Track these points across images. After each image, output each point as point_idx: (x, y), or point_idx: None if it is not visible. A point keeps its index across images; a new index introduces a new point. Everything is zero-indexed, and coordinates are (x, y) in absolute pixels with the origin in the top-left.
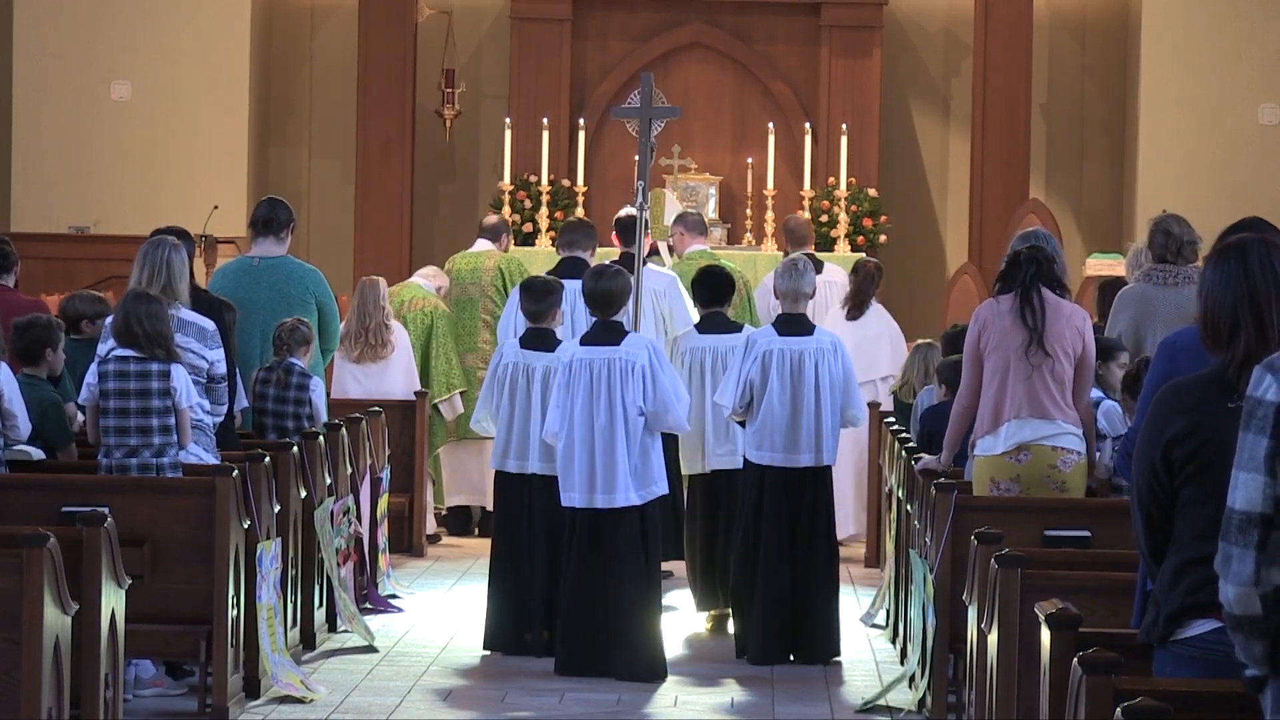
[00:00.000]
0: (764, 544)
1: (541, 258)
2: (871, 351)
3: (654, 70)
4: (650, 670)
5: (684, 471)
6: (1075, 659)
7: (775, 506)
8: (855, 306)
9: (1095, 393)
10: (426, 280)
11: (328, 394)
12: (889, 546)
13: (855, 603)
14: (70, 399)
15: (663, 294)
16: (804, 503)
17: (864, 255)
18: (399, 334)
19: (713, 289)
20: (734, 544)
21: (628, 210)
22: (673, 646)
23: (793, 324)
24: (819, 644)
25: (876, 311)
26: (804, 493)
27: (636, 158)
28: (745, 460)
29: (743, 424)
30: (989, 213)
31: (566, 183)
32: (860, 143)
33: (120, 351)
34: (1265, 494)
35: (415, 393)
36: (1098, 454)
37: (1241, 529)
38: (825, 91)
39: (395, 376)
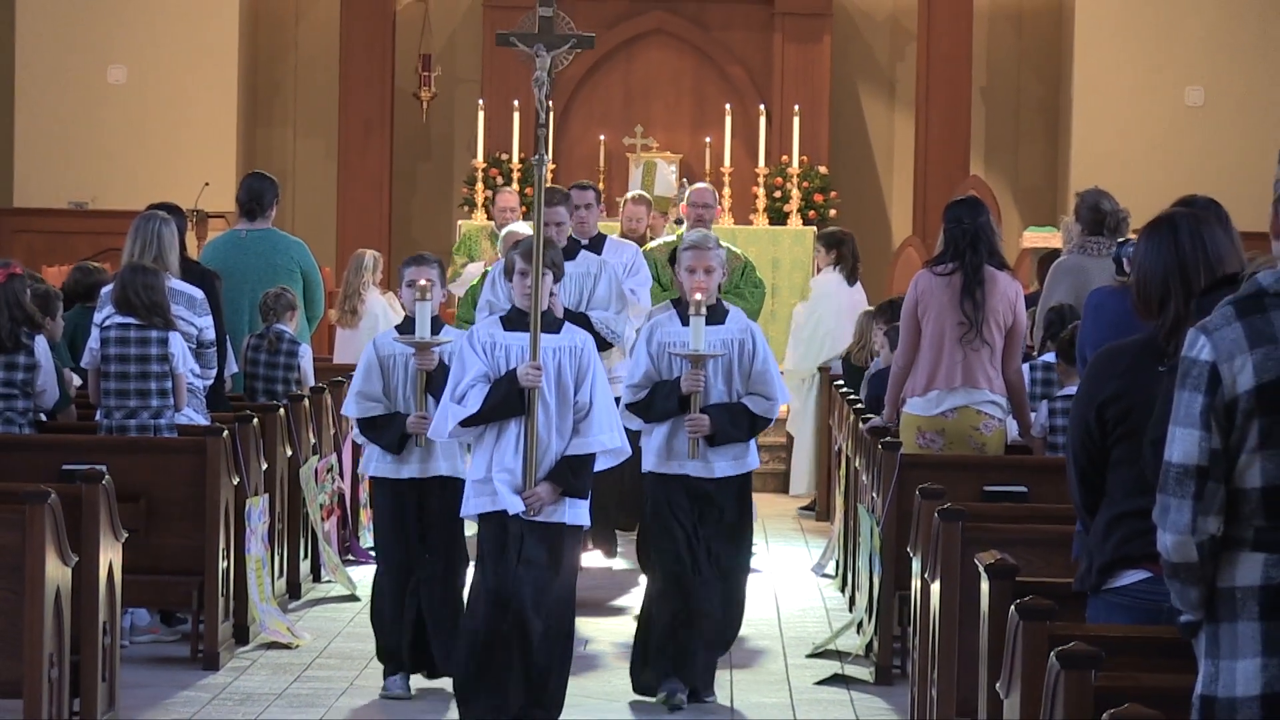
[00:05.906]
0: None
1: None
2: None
3: (618, 55)
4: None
5: None
6: (1013, 606)
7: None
8: (851, 273)
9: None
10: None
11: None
12: (839, 501)
13: (807, 554)
14: (67, 365)
15: (632, 269)
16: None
17: (830, 228)
18: (371, 305)
19: None
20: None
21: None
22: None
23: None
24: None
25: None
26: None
27: (602, 136)
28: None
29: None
30: (932, 189)
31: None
32: (811, 123)
33: (120, 319)
34: (1201, 447)
35: None
36: (1032, 415)
37: (1179, 480)
38: (779, 75)
39: (360, 344)
